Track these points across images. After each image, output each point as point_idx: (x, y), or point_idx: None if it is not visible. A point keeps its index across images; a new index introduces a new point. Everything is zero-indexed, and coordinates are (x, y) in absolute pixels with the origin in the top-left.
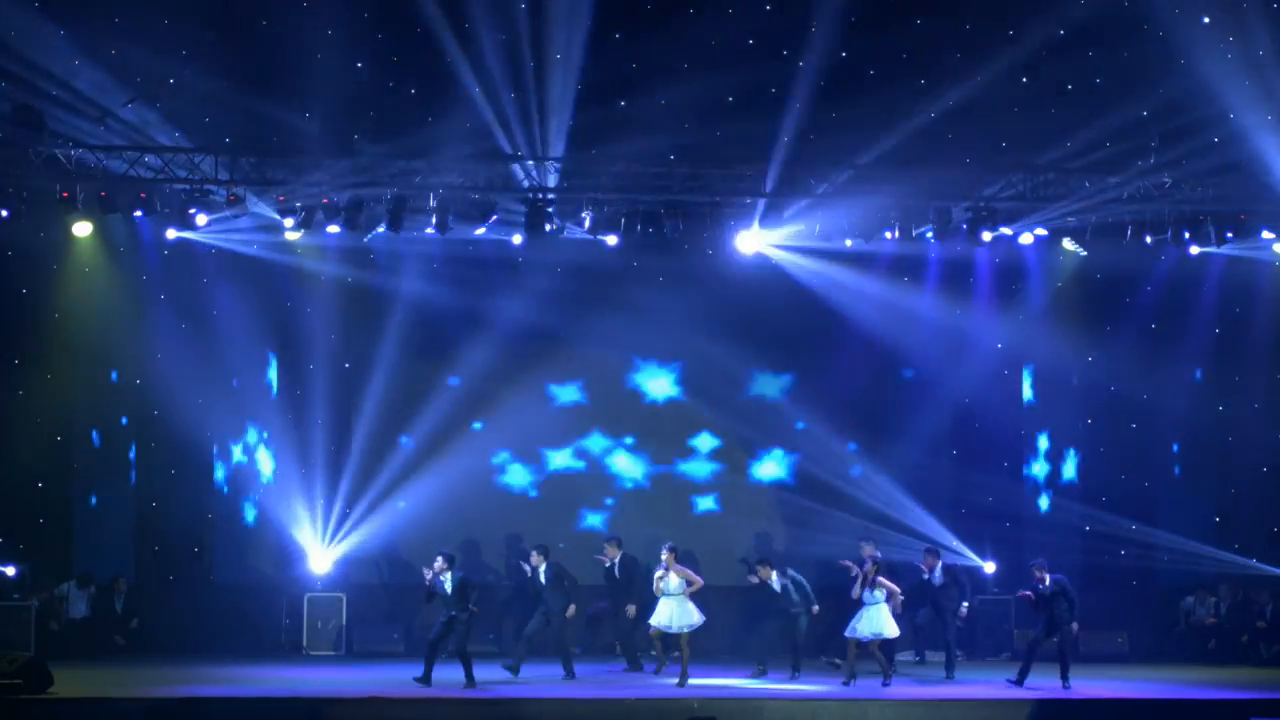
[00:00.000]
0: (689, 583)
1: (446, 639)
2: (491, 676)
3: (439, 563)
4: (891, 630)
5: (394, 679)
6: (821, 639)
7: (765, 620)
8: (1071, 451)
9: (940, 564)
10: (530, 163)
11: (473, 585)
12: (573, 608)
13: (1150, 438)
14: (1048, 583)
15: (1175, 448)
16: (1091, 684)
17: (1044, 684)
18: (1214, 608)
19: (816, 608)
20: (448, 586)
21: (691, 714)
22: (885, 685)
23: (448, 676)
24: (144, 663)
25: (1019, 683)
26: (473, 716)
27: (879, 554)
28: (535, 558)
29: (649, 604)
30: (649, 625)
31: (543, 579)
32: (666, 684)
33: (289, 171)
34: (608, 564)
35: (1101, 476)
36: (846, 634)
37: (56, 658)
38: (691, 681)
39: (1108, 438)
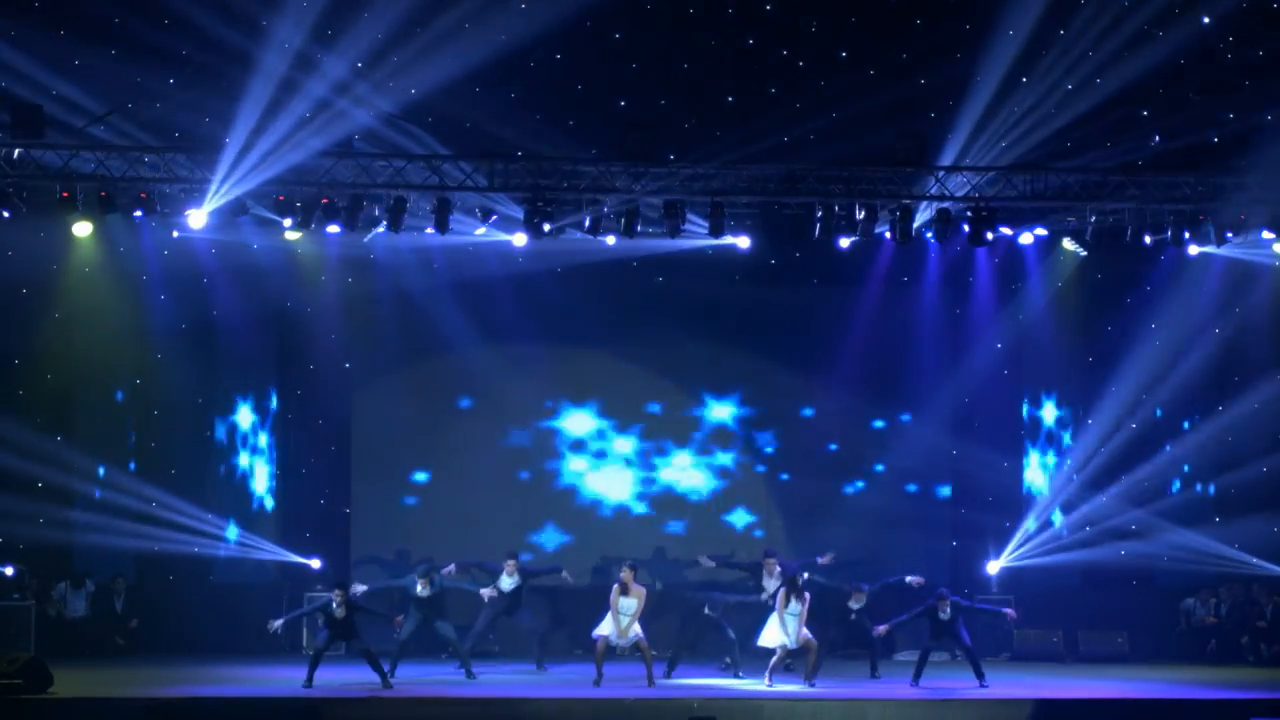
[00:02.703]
0: (639, 601)
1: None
2: (493, 677)
3: (338, 594)
4: (795, 641)
5: (394, 679)
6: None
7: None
8: (1070, 451)
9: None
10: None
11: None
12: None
13: (1150, 438)
14: (948, 613)
15: (1174, 448)
16: (1091, 684)
17: (1044, 683)
18: (1214, 608)
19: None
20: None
21: (691, 714)
22: (769, 686)
23: (445, 676)
24: (144, 663)
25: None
26: (473, 716)
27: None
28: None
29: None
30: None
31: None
32: (664, 684)
33: (289, 171)
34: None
35: (1101, 477)
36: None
37: (56, 658)
38: (692, 681)
39: (1107, 438)
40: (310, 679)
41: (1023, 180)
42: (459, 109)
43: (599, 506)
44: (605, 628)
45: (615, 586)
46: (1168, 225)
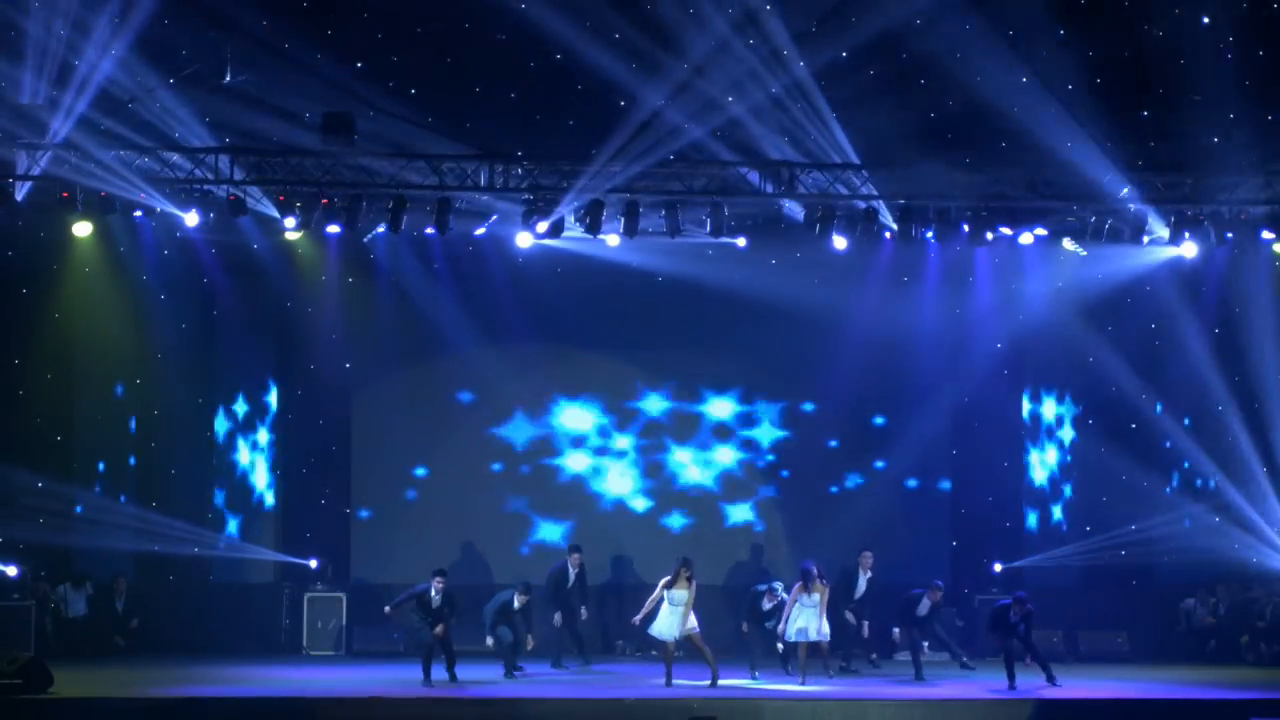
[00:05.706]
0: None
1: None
2: (493, 677)
3: (438, 582)
4: (814, 634)
5: (394, 679)
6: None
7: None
8: (1071, 451)
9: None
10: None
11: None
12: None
13: (1150, 438)
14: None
15: (1174, 447)
16: (1091, 684)
17: (1044, 683)
18: (1214, 608)
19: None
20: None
21: (691, 714)
22: (802, 684)
23: (445, 676)
24: (144, 663)
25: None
26: (473, 716)
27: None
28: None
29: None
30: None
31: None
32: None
33: (289, 171)
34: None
35: (1102, 476)
36: (791, 638)
37: (56, 658)
38: (691, 682)
39: (1108, 438)
40: (428, 675)
41: (1023, 180)
42: (459, 109)
43: (599, 502)
44: (657, 626)
45: (665, 579)
46: (1168, 225)
